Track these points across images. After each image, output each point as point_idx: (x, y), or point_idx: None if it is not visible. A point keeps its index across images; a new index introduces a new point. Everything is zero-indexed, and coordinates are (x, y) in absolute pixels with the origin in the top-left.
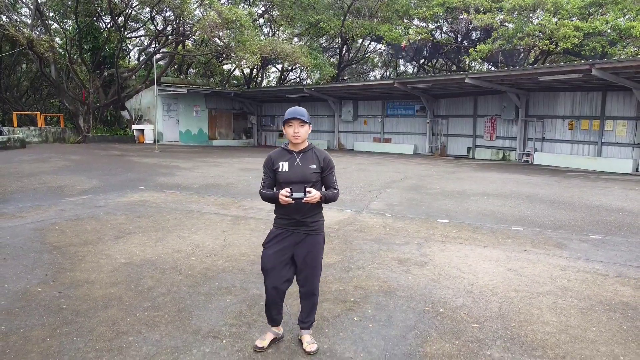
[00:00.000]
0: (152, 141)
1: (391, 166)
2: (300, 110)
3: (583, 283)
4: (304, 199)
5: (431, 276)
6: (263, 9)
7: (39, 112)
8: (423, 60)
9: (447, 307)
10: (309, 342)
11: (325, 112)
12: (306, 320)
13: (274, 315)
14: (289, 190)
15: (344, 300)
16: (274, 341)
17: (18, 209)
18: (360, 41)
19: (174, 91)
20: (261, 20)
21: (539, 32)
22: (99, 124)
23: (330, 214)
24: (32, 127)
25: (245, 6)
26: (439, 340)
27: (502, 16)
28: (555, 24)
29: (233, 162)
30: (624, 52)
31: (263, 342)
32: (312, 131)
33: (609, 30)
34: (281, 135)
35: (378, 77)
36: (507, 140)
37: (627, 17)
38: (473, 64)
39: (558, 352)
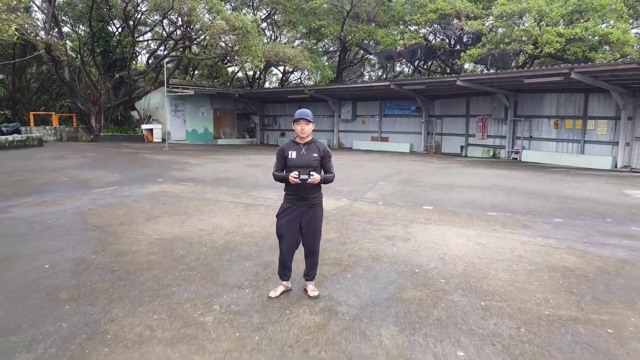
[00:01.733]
0: (160, 140)
1: (387, 163)
2: (306, 112)
3: (536, 253)
4: (308, 180)
5: (412, 248)
6: (266, 13)
7: (54, 113)
8: (418, 62)
9: (422, 269)
10: (312, 289)
11: (325, 112)
12: (309, 273)
13: (285, 271)
14: (296, 173)
15: (339, 265)
16: (284, 292)
17: (55, 198)
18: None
19: (181, 92)
20: (264, 24)
21: (525, 37)
22: (110, 124)
23: (329, 202)
24: (47, 127)
25: (249, 10)
26: (412, 290)
27: (491, 21)
28: (540, 30)
29: (239, 159)
30: (604, 58)
31: (275, 292)
32: (313, 131)
33: (589, 37)
34: (283, 134)
35: (375, 78)
36: (497, 139)
37: (606, 24)
38: (465, 66)
39: (503, 297)
